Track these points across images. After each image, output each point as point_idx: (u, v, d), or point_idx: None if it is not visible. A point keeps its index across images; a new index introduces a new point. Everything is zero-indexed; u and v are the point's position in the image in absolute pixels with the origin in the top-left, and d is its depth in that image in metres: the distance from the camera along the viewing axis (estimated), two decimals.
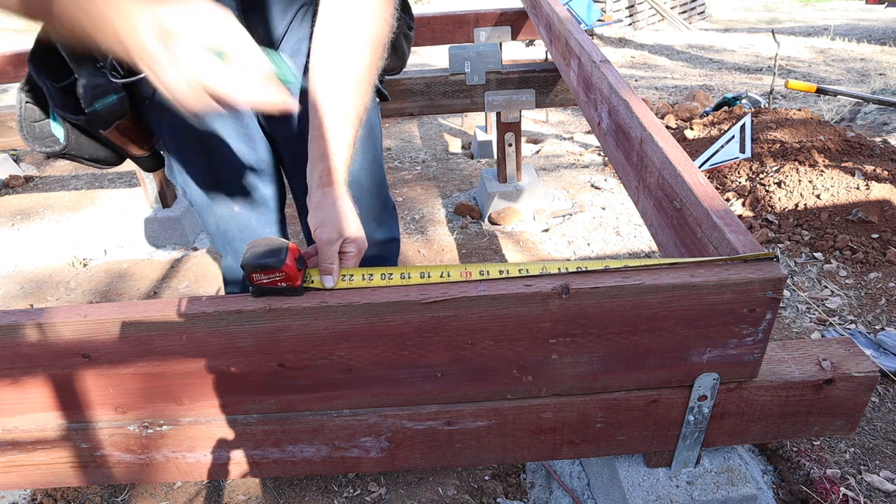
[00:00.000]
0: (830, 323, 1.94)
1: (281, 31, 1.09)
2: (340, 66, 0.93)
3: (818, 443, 1.49)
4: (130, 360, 0.87)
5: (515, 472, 1.51)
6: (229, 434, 0.97)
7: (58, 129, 1.11)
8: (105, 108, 1.04)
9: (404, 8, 1.21)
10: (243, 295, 0.85)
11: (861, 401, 0.97)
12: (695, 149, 3.10)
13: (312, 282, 0.85)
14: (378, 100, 1.30)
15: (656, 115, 4.01)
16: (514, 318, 0.84)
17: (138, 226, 2.92)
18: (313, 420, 0.96)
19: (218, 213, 1.26)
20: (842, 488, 1.34)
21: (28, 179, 3.66)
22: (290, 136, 1.19)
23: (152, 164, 1.27)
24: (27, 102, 1.10)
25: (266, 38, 1.08)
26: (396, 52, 1.25)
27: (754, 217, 2.52)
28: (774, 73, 3.79)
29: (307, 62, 0.99)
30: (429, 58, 6.63)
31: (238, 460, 1.01)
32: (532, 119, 4.27)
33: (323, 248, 0.86)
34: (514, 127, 2.63)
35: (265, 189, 1.26)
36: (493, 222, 2.78)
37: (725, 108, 3.71)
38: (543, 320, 0.84)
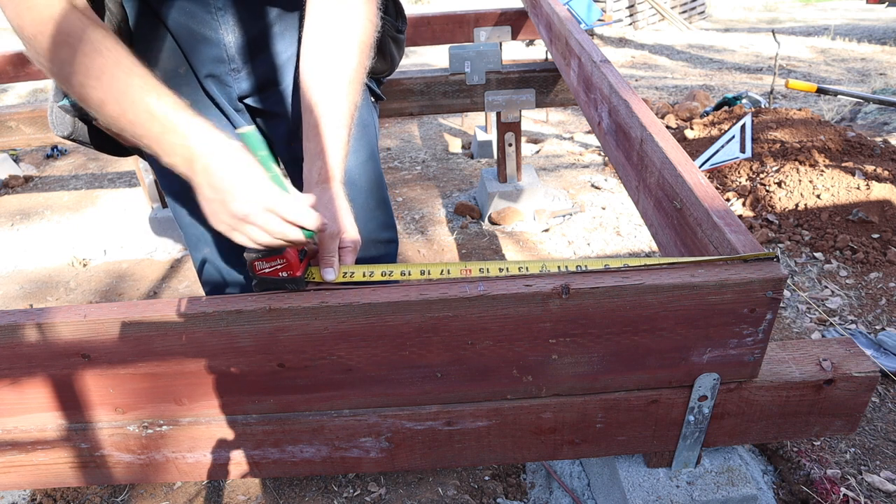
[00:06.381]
0: (831, 323, 1.94)
1: (255, 33, 1.09)
2: (331, 68, 0.97)
3: (818, 443, 1.49)
4: (130, 361, 0.87)
5: (515, 472, 1.51)
6: (229, 434, 0.97)
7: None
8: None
9: (393, 11, 1.22)
10: (243, 295, 0.85)
11: (861, 401, 0.96)
12: (695, 149, 3.10)
13: (313, 277, 0.87)
14: (374, 100, 1.30)
15: (656, 114, 4.01)
16: (514, 318, 0.83)
17: (138, 226, 2.92)
18: (313, 420, 0.96)
19: (189, 207, 1.23)
20: (842, 488, 1.34)
21: (28, 179, 3.66)
22: (282, 136, 1.20)
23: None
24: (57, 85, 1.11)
25: (250, 43, 1.08)
26: (384, 56, 1.25)
27: (754, 217, 2.52)
28: (775, 73, 3.79)
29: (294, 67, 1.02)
30: (429, 58, 6.63)
31: (238, 460, 1.01)
32: (532, 119, 4.27)
33: (325, 242, 0.87)
34: (514, 127, 2.63)
35: None
36: (493, 222, 2.77)
37: (726, 107, 3.71)
38: (543, 320, 0.84)
